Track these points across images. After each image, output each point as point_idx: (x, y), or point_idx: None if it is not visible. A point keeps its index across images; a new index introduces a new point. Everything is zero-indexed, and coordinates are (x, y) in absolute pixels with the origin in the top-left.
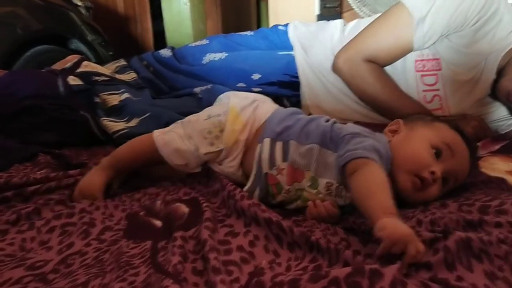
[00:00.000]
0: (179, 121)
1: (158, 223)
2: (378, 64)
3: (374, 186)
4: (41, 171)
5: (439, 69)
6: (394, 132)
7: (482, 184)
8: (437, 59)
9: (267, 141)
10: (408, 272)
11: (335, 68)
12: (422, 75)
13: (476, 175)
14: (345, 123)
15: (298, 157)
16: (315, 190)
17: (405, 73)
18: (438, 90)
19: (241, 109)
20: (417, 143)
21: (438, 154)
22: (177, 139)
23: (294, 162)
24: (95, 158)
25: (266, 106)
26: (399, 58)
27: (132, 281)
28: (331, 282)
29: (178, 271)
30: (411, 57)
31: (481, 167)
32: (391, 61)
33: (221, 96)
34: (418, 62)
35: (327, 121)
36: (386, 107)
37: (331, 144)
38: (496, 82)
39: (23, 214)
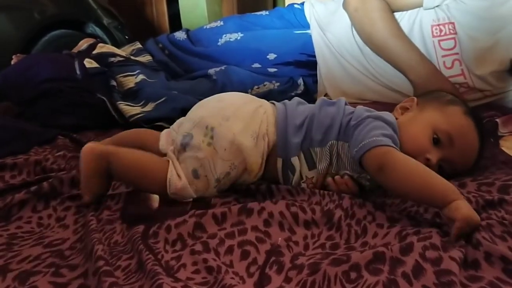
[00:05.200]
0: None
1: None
2: (390, 6)
3: (421, 175)
4: (59, 153)
5: (456, 33)
6: (405, 109)
7: (503, 164)
8: (452, 22)
9: (295, 160)
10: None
11: (345, 3)
12: (440, 41)
13: (497, 154)
14: (355, 106)
15: (323, 160)
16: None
17: (424, 40)
18: (457, 54)
19: (255, 144)
20: (420, 127)
21: (436, 141)
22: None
23: (322, 168)
24: None
25: (268, 112)
26: (410, 7)
27: (128, 265)
28: (352, 267)
29: (169, 266)
30: (426, 23)
31: (502, 146)
32: (402, 7)
33: (211, 124)
34: (435, 27)
35: (333, 104)
36: (389, 54)
37: (344, 135)
38: None
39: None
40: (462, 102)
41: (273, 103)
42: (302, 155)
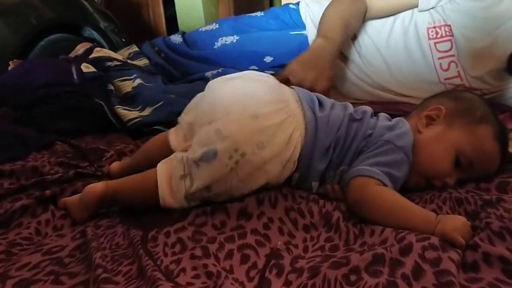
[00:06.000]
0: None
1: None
2: (384, 9)
3: (397, 212)
4: (58, 160)
5: (452, 35)
6: (432, 120)
7: None
8: (449, 25)
9: (315, 184)
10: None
11: None
12: (436, 43)
13: None
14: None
15: (333, 182)
16: None
17: (420, 43)
18: (453, 56)
19: (282, 170)
20: (443, 148)
21: (457, 163)
22: None
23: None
24: (112, 147)
25: (301, 133)
26: (405, 8)
27: (129, 270)
28: (352, 270)
29: (169, 271)
30: (422, 25)
31: None
32: (397, 9)
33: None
34: (430, 29)
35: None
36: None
37: (355, 161)
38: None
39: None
40: (493, 118)
41: (303, 111)
42: (318, 183)
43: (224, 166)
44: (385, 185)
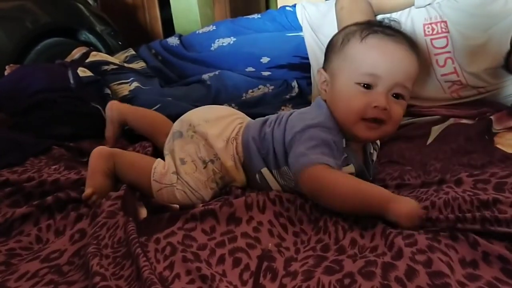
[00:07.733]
0: (174, 174)
1: (144, 211)
2: (382, 7)
3: (352, 193)
4: (55, 166)
5: (448, 31)
6: (325, 84)
7: (499, 162)
8: (445, 21)
9: (265, 171)
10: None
11: (336, 0)
12: (432, 39)
13: (493, 152)
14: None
15: (284, 178)
16: None
17: (416, 38)
18: (449, 52)
19: (225, 146)
20: (342, 93)
21: (367, 87)
22: (179, 195)
23: (288, 186)
24: None
25: (243, 126)
26: (402, 8)
27: (131, 273)
28: (345, 275)
29: (164, 278)
30: (418, 21)
31: (497, 143)
32: (393, 8)
33: (190, 120)
34: (427, 25)
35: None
36: None
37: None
38: (509, 54)
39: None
40: (354, 28)
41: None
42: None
43: (188, 137)
44: (331, 167)
